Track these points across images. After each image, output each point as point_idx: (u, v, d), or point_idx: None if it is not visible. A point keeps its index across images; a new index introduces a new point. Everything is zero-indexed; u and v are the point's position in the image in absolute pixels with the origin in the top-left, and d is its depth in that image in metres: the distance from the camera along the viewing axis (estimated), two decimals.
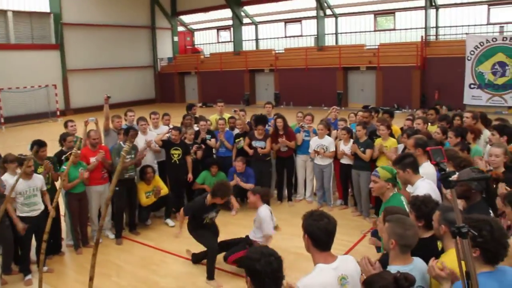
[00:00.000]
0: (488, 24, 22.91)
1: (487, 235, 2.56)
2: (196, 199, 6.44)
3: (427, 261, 2.95)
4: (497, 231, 2.61)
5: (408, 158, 4.56)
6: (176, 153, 8.10)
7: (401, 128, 8.32)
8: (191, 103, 9.19)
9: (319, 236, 2.82)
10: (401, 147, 7.18)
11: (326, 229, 2.82)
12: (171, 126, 8.67)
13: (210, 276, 5.81)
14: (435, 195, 4.20)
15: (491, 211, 3.81)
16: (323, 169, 8.38)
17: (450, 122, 7.54)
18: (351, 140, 7.95)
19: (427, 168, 4.89)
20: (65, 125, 8.01)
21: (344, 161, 8.14)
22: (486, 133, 7.27)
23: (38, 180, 6.13)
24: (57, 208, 6.69)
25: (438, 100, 14.56)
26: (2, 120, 22.33)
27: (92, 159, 7.08)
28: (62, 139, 7.25)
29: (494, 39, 19.88)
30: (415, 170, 4.51)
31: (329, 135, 8.42)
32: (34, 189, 6.01)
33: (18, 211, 5.89)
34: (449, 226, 3.01)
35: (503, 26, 22.04)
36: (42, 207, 6.14)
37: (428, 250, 3.22)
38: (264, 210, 6.07)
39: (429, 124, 8.00)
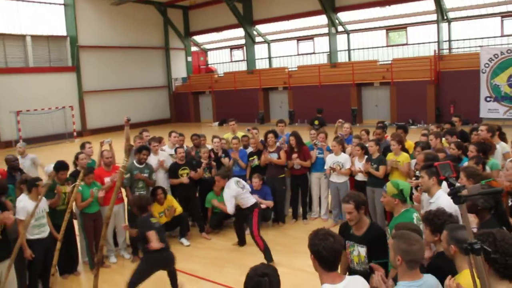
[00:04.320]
0: (502, 36, 22.75)
1: (489, 246, 2.46)
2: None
3: (447, 275, 2.90)
4: (502, 241, 2.52)
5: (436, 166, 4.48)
6: (184, 173, 8.16)
7: (416, 143, 8.25)
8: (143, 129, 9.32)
9: (325, 255, 2.79)
10: (414, 162, 7.10)
11: (332, 248, 2.79)
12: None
13: None
14: (455, 207, 4.15)
15: (504, 228, 3.70)
16: (338, 186, 8.31)
17: (455, 134, 7.50)
18: (366, 157, 7.89)
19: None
20: (82, 146, 8.08)
21: (359, 178, 8.06)
22: (504, 146, 7.19)
23: (44, 202, 6.10)
24: (72, 227, 6.79)
25: (455, 113, 14.21)
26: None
27: (107, 179, 7.14)
28: (75, 157, 7.38)
29: (509, 51, 19.69)
30: (439, 180, 4.47)
31: (343, 151, 8.39)
32: (42, 210, 6.00)
33: (28, 234, 5.79)
34: (458, 245, 2.95)
35: None
36: (48, 228, 6.12)
37: (446, 263, 3.16)
38: (226, 190, 6.98)
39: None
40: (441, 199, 4.28)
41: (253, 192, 8.05)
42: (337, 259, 2.83)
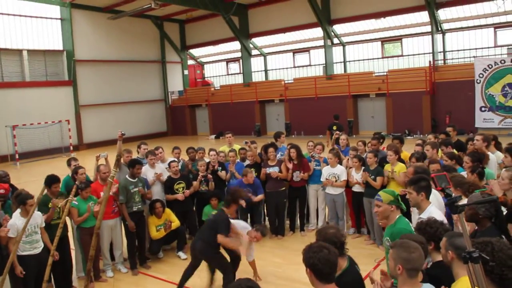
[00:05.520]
0: (496, 46, 22.98)
1: (487, 256, 2.43)
2: (214, 218, 6.28)
3: (443, 284, 2.89)
4: (500, 251, 2.52)
5: (424, 181, 4.47)
6: (180, 187, 8.10)
7: (411, 154, 8.28)
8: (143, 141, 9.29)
9: (321, 267, 2.79)
10: None
11: (328, 260, 2.80)
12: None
13: None
14: (445, 221, 4.17)
15: (503, 237, 3.71)
16: (334, 198, 8.33)
17: (450, 145, 7.53)
18: (363, 168, 7.91)
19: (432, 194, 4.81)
20: (68, 163, 8.03)
21: (356, 189, 8.08)
22: (499, 156, 7.21)
23: (38, 217, 6.04)
24: (67, 243, 6.76)
25: (451, 124, 14.13)
26: (17, 156, 22.55)
27: (102, 193, 7.10)
28: (74, 172, 7.36)
29: (503, 61, 19.88)
30: (428, 195, 4.46)
31: (340, 163, 8.40)
32: (34, 226, 5.92)
33: (19, 250, 5.72)
34: (456, 251, 2.96)
35: (511, 48, 22.05)
36: (42, 244, 6.04)
37: (443, 273, 3.17)
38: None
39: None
40: (434, 214, 4.28)
41: (244, 186, 7.93)
42: (333, 270, 2.83)
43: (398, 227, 4.11)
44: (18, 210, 5.81)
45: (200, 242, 6.13)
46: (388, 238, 4.18)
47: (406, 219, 4.27)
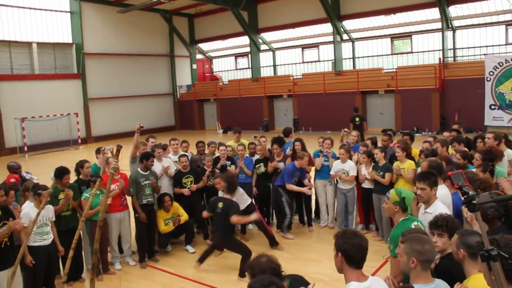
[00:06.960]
0: (507, 44, 22.78)
1: None
2: (223, 208, 6.95)
3: (454, 277, 2.89)
4: (506, 247, 2.49)
5: (434, 176, 4.45)
6: (188, 181, 8.11)
7: (420, 151, 8.22)
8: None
9: (353, 253, 2.83)
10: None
11: (361, 246, 2.84)
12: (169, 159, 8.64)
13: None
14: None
15: None
16: (346, 193, 8.34)
17: (463, 142, 7.47)
18: (373, 164, 7.89)
19: (441, 191, 4.77)
20: (98, 151, 7.98)
21: (366, 185, 8.06)
22: (509, 153, 7.16)
23: (50, 210, 6.12)
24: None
25: (458, 121, 13.96)
26: (26, 149, 22.71)
27: (113, 186, 7.12)
28: (79, 166, 7.34)
29: None
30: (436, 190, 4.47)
31: (350, 159, 8.38)
32: (46, 218, 6.00)
33: (30, 241, 5.79)
34: (467, 250, 2.97)
35: None
36: (52, 236, 6.13)
37: (454, 266, 3.17)
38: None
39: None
40: (440, 208, 4.25)
41: (296, 170, 8.16)
42: (364, 257, 2.87)
43: (394, 232, 4.03)
44: (28, 202, 5.86)
45: (216, 235, 7.09)
46: (389, 240, 4.14)
47: (413, 223, 4.06)
